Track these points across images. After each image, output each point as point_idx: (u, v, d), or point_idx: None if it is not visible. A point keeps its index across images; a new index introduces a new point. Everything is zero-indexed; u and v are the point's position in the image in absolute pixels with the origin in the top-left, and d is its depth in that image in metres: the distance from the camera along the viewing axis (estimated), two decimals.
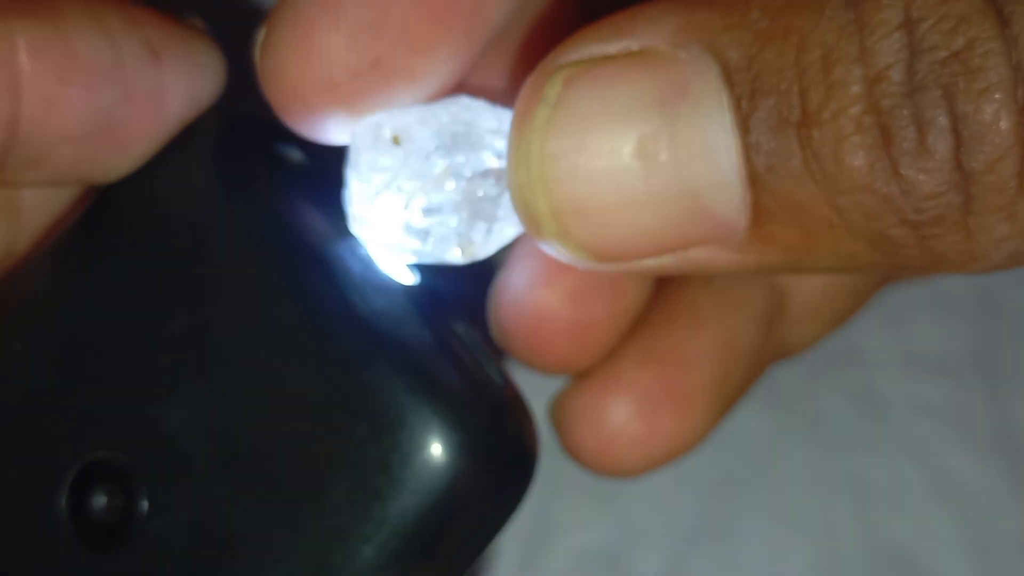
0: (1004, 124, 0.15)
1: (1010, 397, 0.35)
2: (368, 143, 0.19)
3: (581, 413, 0.23)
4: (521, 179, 0.17)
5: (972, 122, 0.15)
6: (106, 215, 0.20)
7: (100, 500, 0.19)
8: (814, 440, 0.35)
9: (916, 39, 0.15)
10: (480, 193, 0.18)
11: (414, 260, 0.19)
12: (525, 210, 0.17)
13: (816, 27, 0.15)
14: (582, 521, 0.34)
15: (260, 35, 0.19)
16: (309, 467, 0.18)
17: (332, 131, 0.19)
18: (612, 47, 0.17)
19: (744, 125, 0.16)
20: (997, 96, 0.15)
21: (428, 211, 0.18)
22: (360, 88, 0.18)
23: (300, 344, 0.18)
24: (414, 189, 0.18)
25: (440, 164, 0.18)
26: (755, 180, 0.16)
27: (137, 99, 0.19)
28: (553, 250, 0.18)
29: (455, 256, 0.19)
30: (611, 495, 0.34)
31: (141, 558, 0.18)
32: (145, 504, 0.18)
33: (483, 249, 0.19)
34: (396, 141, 0.18)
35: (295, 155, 0.21)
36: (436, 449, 0.17)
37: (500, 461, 0.18)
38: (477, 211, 0.19)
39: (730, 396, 0.25)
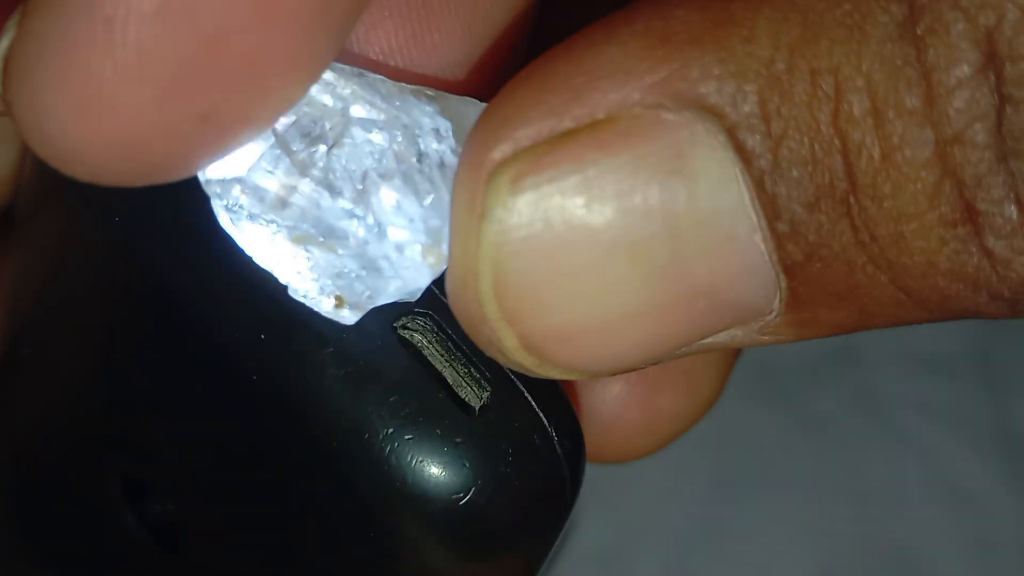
0: None
1: (1010, 397, 0.35)
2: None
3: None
4: (474, 317, 0.13)
5: None
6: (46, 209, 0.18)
7: (153, 507, 0.18)
8: (814, 440, 0.35)
9: (1007, 83, 0.11)
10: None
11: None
12: (487, 346, 0.14)
13: (859, 68, 0.11)
14: (582, 521, 0.34)
15: (3, 45, 0.12)
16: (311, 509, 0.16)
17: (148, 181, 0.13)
18: (566, 119, 0.12)
19: (771, 206, 0.12)
20: None
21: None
22: (181, 149, 0.12)
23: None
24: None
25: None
26: (791, 269, 0.13)
27: None
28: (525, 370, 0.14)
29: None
30: (611, 495, 0.34)
31: (194, 560, 0.18)
32: (176, 512, 0.18)
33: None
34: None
35: None
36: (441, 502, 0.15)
37: (511, 496, 0.15)
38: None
39: (737, 349, 0.20)
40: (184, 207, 0.15)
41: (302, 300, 0.14)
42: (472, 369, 0.15)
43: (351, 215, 0.14)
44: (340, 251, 0.14)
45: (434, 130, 0.14)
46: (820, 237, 0.12)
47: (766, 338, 0.14)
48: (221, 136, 0.12)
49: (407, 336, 0.15)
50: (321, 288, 0.14)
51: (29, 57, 0.12)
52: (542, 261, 0.13)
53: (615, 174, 0.12)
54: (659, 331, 0.13)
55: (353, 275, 0.14)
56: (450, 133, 0.14)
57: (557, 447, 0.16)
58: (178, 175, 0.13)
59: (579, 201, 0.12)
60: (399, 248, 0.14)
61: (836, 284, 0.12)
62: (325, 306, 0.14)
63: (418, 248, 0.14)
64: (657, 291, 0.13)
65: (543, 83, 0.13)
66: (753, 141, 0.12)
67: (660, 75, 0.12)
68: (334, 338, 0.15)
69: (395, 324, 0.15)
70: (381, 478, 0.15)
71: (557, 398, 0.16)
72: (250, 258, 0.14)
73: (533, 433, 0.15)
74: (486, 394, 0.15)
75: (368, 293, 0.14)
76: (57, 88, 0.11)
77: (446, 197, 0.14)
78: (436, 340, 0.15)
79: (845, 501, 0.34)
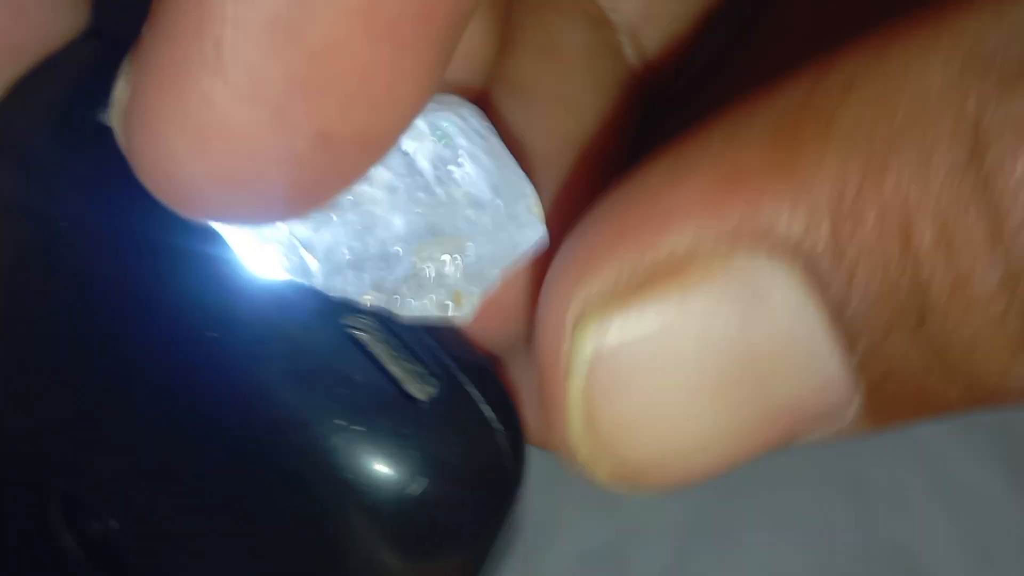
0: None
1: None
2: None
3: None
4: (567, 455, 0.14)
5: None
6: None
7: (90, 525, 0.18)
8: None
9: None
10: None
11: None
12: (580, 474, 0.14)
13: (925, 195, 0.11)
14: (582, 521, 0.34)
15: (120, 91, 0.12)
16: (259, 505, 0.16)
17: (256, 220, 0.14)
18: (646, 261, 0.13)
19: (847, 334, 0.13)
20: None
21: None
22: (302, 176, 0.12)
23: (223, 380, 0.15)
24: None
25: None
26: (868, 389, 0.13)
27: None
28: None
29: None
30: (611, 495, 0.34)
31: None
32: (116, 526, 0.18)
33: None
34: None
35: None
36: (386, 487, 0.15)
37: (460, 485, 0.16)
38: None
39: None
40: (134, 219, 0.15)
41: (416, 317, 0.15)
42: (418, 366, 0.15)
43: (454, 205, 0.14)
44: (465, 238, 0.14)
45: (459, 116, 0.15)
46: (894, 362, 0.12)
47: (840, 437, 0.14)
48: (340, 160, 0.12)
49: (354, 334, 0.15)
50: (444, 289, 0.15)
51: (142, 91, 0.12)
52: (631, 400, 0.13)
53: (695, 314, 0.13)
54: (743, 448, 0.14)
55: (472, 257, 0.15)
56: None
57: (502, 440, 0.16)
58: (305, 208, 0.13)
59: (663, 340, 0.13)
60: (508, 211, 0.15)
61: (910, 397, 0.13)
62: (448, 309, 0.15)
63: (523, 204, 0.15)
64: (741, 416, 0.13)
65: (617, 229, 0.13)
66: (828, 272, 0.12)
67: (733, 219, 0.12)
68: (283, 335, 0.15)
69: (343, 322, 0.15)
70: (330, 472, 0.15)
71: (501, 396, 0.16)
72: (201, 260, 0.15)
73: (479, 426, 0.16)
74: (432, 389, 0.15)
75: (483, 264, 0.15)
76: (170, 115, 0.12)
77: (502, 153, 0.14)
78: (382, 339, 0.15)
79: (845, 501, 0.34)
